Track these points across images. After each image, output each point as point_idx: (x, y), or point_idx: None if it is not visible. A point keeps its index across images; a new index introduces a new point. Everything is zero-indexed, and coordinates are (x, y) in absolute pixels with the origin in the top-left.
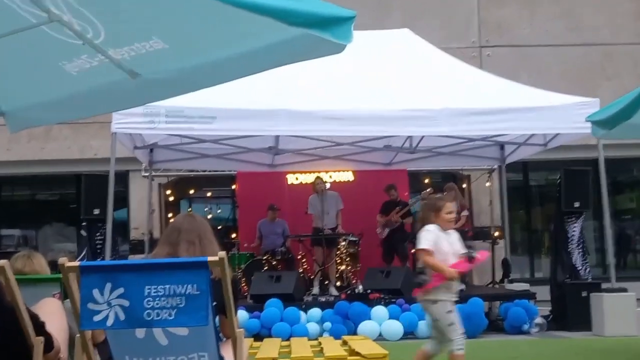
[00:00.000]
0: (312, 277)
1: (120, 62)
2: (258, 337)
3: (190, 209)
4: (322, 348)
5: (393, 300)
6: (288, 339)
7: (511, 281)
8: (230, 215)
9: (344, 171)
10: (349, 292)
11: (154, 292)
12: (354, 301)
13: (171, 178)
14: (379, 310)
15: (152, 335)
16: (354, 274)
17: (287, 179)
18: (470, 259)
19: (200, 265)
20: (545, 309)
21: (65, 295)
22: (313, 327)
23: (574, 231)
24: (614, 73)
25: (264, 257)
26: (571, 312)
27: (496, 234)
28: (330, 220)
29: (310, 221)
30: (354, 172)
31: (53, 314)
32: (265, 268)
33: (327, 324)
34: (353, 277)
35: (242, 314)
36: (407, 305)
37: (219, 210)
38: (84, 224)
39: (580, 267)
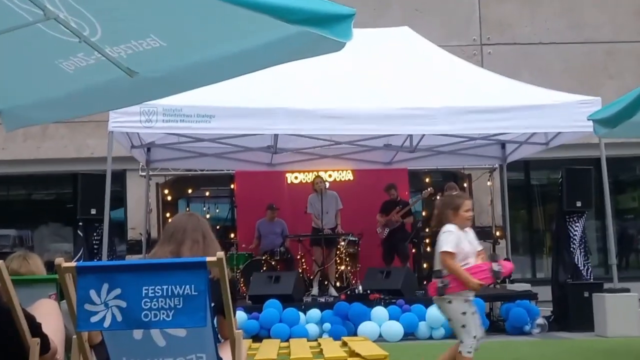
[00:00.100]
0: (311, 278)
1: (117, 60)
2: (257, 338)
3: (188, 209)
4: (321, 349)
5: (393, 300)
6: (287, 340)
7: (512, 281)
8: (228, 215)
9: (343, 170)
10: (348, 292)
11: (152, 293)
12: (353, 302)
13: (169, 177)
14: (379, 311)
15: (150, 336)
16: (353, 275)
17: (286, 178)
18: (496, 275)
19: (198, 266)
20: (547, 310)
21: (61, 296)
22: (312, 328)
23: (575, 231)
24: (616, 71)
25: (263, 258)
26: (573, 312)
27: (497, 233)
28: (330, 220)
29: (310, 221)
30: (354, 172)
31: (49, 315)
32: (264, 268)
33: (327, 325)
34: (353, 278)
35: (240, 315)
36: (408, 306)
37: (217, 210)
38: (80, 224)
39: (582, 267)
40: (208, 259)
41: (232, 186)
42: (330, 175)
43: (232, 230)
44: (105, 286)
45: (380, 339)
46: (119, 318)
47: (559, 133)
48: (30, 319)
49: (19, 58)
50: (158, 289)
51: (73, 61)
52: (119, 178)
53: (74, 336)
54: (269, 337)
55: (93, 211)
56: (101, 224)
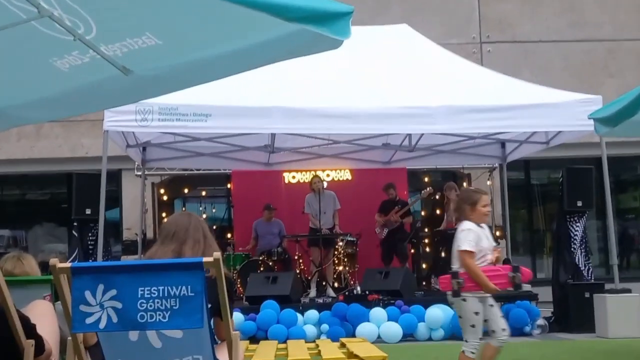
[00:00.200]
0: (309, 278)
1: (113, 58)
2: (254, 339)
3: (184, 209)
4: (319, 351)
5: (392, 301)
6: (285, 342)
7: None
8: (225, 215)
9: (341, 170)
10: (346, 293)
11: (148, 294)
12: (352, 303)
13: (164, 177)
14: (378, 312)
15: (146, 337)
16: (352, 275)
17: (283, 177)
18: (515, 286)
19: (195, 266)
20: (547, 310)
21: (56, 297)
22: (310, 330)
23: (576, 231)
24: (617, 70)
25: (260, 258)
26: (574, 313)
27: (497, 233)
28: (327, 220)
29: (307, 221)
30: (352, 171)
31: (44, 316)
32: (261, 269)
33: (325, 326)
34: (351, 278)
35: (237, 316)
36: (406, 307)
37: (213, 210)
38: (75, 224)
39: (583, 268)
40: (205, 259)
41: (228, 186)
42: (328, 175)
43: (229, 230)
44: (101, 287)
45: (379, 340)
46: (115, 319)
47: (560, 132)
48: (25, 320)
49: (12, 56)
50: (154, 289)
51: (67, 59)
52: (114, 178)
53: (69, 338)
54: (266, 338)
55: (88, 211)
56: (96, 224)
